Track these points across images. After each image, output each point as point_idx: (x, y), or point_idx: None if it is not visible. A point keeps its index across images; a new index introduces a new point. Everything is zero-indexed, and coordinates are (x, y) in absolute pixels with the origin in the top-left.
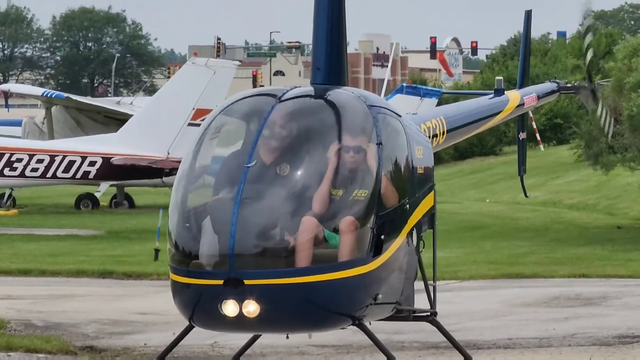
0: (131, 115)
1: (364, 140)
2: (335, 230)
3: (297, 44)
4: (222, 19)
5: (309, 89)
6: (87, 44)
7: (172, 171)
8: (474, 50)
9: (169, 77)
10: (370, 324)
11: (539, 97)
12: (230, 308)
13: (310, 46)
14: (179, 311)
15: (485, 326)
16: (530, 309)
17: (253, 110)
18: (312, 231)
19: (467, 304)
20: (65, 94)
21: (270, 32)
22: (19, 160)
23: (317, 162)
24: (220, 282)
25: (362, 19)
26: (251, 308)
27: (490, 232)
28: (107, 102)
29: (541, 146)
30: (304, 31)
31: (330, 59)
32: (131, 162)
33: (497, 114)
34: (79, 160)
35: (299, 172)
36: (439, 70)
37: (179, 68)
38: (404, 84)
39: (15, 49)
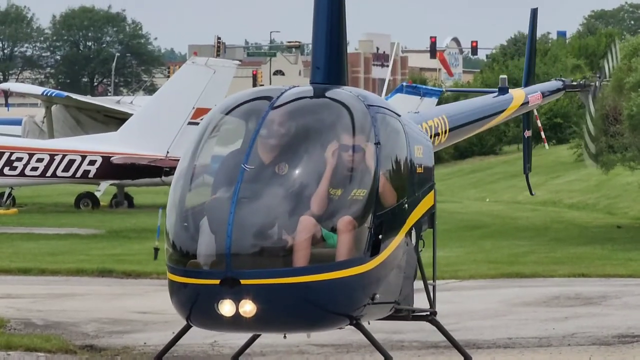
0: (131, 115)
1: (362, 139)
2: (333, 230)
3: (297, 43)
4: (222, 19)
5: (307, 88)
6: (87, 43)
7: (172, 170)
8: (474, 50)
9: (168, 77)
10: (369, 323)
11: (544, 96)
12: (226, 308)
13: (310, 46)
14: (176, 311)
15: (485, 326)
16: (530, 308)
17: (251, 109)
18: (309, 231)
19: (467, 304)
20: (65, 93)
21: (270, 32)
22: (19, 159)
23: (315, 162)
24: (217, 281)
25: (362, 19)
26: (247, 308)
27: (490, 231)
28: (107, 101)
29: (546, 144)
30: (304, 31)
31: (330, 58)
32: (131, 161)
33: (501, 112)
34: (78, 159)
35: (296, 172)
36: (439, 69)
37: (179, 67)
38: (404, 84)
39: (15, 48)
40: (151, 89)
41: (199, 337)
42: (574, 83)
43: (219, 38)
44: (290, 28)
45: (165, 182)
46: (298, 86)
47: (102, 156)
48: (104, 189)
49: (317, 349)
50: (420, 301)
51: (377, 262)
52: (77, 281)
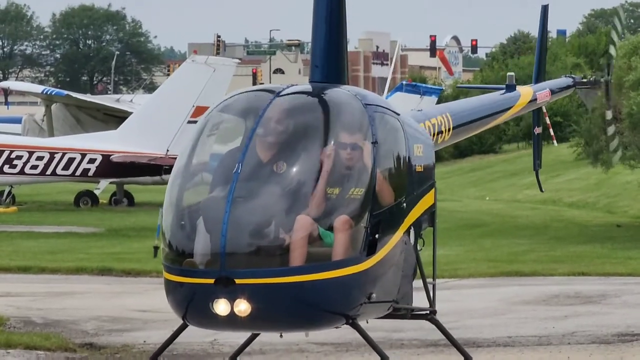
0: (131, 113)
1: (359, 138)
2: (329, 229)
3: (297, 42)
4: (222, 17)
5: (305, 87)
6: (87, 41)
7: (172, 168)
8: (474, 49)
9: (168, 75)
10: (367, 322)
11: (553, 92)
12: (221, 307)
13: (310, 44)
14: (173, 310)
15: (484, 324)
16: (529, 307)
17: (248, 108)
18: (303, 230)
19: (467, 302)
20: (65, 92)
21: (270, 30)
22: (19, 157)
23: (311, 161)
24: (212, 281)
25: (362, 17)
26: (242, 307)
27: (489, 230)
28: (107, 100)
29: (554, 141)
30: (303, 29)
31: (329, 56)
32: (131, 159)
33: (508, 109)
34: (78, 157)
35: (291, 171)
36: (439, 68)
37: (179, 66)
38: (404, 82)
39: (15, 47)
40: (151, 88)
41: (198, 335)
42: (584, 80)
43: (218, 36)
44: (290, 26)
45: (165, 180)
46: (296, 84)
47: (101, 154)
48: (103, 187)
49: (316, 348)
50: (420, 300)
51: (373, 262)
52: (76, 279)
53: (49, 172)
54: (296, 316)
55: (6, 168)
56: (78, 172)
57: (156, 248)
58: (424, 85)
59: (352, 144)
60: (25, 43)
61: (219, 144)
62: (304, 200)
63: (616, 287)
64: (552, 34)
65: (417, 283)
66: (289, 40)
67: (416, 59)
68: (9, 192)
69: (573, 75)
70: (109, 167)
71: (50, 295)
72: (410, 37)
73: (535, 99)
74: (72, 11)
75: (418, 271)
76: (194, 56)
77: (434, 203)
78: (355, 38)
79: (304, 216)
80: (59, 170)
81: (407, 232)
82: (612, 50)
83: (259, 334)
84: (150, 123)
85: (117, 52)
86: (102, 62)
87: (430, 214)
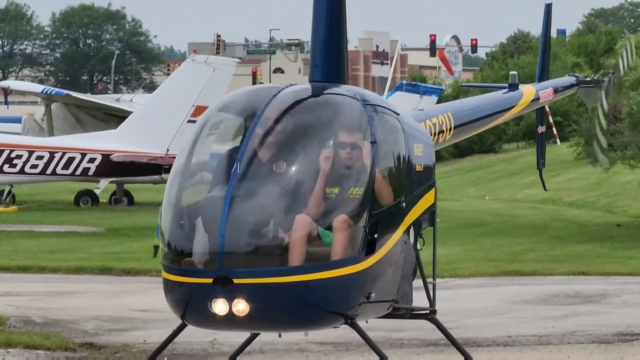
0: (131, 112)
1: (358, 138)
2: (327, 229)
3: (297, 41)
4: (222, 16)
5: (304, 86)
6: (87, 40)
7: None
8: (474, 48)
9: (168, 74)
10: (367, 322)
11: (556, 91)
12: (219, 307)
13: (310, 43)
14: (171, 309)
15: (484, 324)
16: (529, 306)
17: (247, 107)
18: (302, 230)
19: (467, 302)
20: (65, 91)
21: (270, 30)
22: (19, 156)
23: (309, 161)
24: (210, 280)
25: (362, 17)
26: (240, 307)
27: (489, 229)
28: (107, 99)
29: (558, 140)
30: (303, 28)
31: (329, 56)
32: (131, 159)
33: (510, 108)
34: (78, 157)
35: (290, 171)
36: (439, 67)
37: (179, 65)
38: (404, 82)
39: (15, 46)
40: (151, 87)
41: (198, 335)
42: (588, 79)
43: (218, 36)
44: (290, 26)
45: (165, 179)
46: (296, 84)
47: (101, 154)
48: (103, 187)
49: (316, 347)
50: (420, 300)
51: (372, 261)
52: (76, 279)
53: (49, 171)
54: (294, 316)
55: (6, 167)
56: (78, 172)
57: (156, 247)
58: (423, 84)
59: (351, 143)
60: (25, 42)
61: (218, 143)
62: (302, 200)
63: (616, 287)
64: (552, 33)
65: (418, 283)
66: (289, 39)
67: (416, 58)
68: (9, 192)
69: (576, 74)
70: (109, 166)
71: (50, 294)
72: (410, 37)
73: (538, 98)
74: (72, 10)
75: (418, 271)
76: (194, 55)
77: (434, 203)
78: (355, 37)
79: (303, 215)
80: (59, 170)
81: (407, 231)
82: (620, 63)
83: (258, 334)
84: (150, 122)
85: (117, 52)
86: (102, 61)
87: (431, 214)
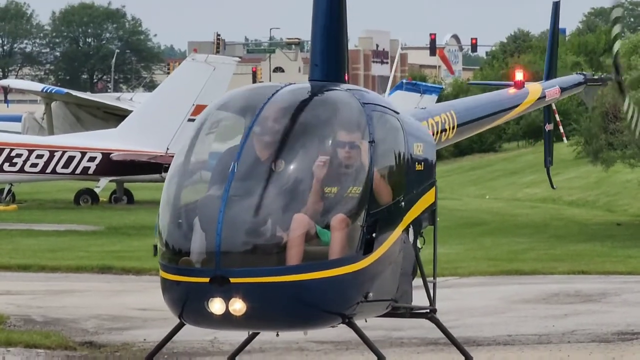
0: (131, 111)
1: (356, 137)
2: (324, 228)
3: (297, 40)
4: (222, 15)
5: (302, 85)
6: (87, 39)
7: None
8: (474, 47)
9: (168, 73)
10: (366, 321)
11: (563, 90)
12: (216, 306)
13: (310, 42)
14: (169, 308)
15: (484, 323)
16: (529, 305)
17: (245, 106)
18: (299, 229)
19: (467, 301)
20: (65, 90)
21: (270, 29)
22: (19, 155)
23: (306, 160)
24: (207, 280)
25: (362, 16)
26: (237, 306)
27: (489, 228)
28: (107, 98)
29: (564, 139)
30: (303, 27)
31: (329, 55)
32: (131, 157)
33: (515, 107)
34: (78, 155)
35: (287, 170)
36: (439, 66)
37: (179, 64)
38: (404, 81)
39: (15, 45)
40: (151, 86)
41: (198, 333)
42: (595, 77)
43: (218, 35)
44: (290, 25)
45: (164, 178)
46: (295, 83)
47: (101, 153)
48: (103, 186)
49: (316, 346)
50: (420, 298)
51: (370, 261)
52: (76, 278)
53: (48, 170)
54: (291, 315)
55: (6, 166)
56: (78, 171)
57: (156, 246)
58: (423, 83)
59: (349, 142)
60: (25, 41)
61: (216, 142)
62: (300, 199)
63: (616, 286)
64: None
65: (418, 282)
66: (288, 38)
67: (416, 57)
68: (9, 191)
69: (584, 72)
70: (109, 165)
71: (50, 293)
72: (410, 36)
73: (544, 96)
74: (71, 9)
75: (418, 270)
76: (194, 54)
77: (434, 201)
78: (355, 36)
79: (300, 215)
80: (59, 169)
81: (406, 230)
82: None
83: (258, 333)
84: (150, 121)
85: (117, 51)
86: (102, 60)
87: (431, 213)
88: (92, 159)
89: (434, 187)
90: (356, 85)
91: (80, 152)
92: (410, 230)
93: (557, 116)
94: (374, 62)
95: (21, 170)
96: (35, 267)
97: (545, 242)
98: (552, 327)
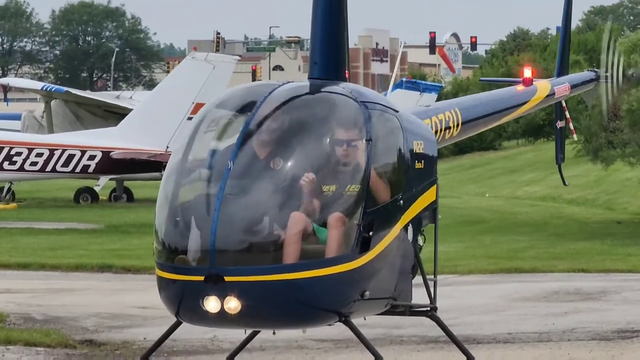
0: (131, 110)
1: (353, 136)
2: (321, 227)
3: (297, 38)
4: (222, 14)
5: (300, 84)
6: (87, 38)
7: None
8: (473, 46)
9: (168, 72)
10: (365, 319)
11: (574, 87)
12: (211, 304)
13: (309, 41)
14: (165, 307)
15: (484, 321)
16: (529, 303)
17: (242, 105)
18: (293, 227)
19: (466, 299)
20: (65, 88)
21: (270, 27)
22: (18, 154)
23: (303, 159)
24: (202, 278)
25: (362, 15)
26: (232, 304)
27: (489, 226)
28: (107, 96)
29: (574, 135)
30: (303, 26)
31: (328, 53)
32: (131, 156)
33: (523, 104)
34: (78, 154)
35: (283, 168)
36: (438, 65)
37: (178, 62)
38: (404, 79)
39: (15, 43)
40: (150, 84)
41: (198, 332)
42: (607, 74)
43: (218, 33)
44: (290, 23)
45: None
46: (293, 81)
47: (101, 151)
48: (103, 184)
49: (316, 344)
50: (421, 297)
51: (367, 259)
52: (76, 276)
53: (48, 168)
54: (287, 314)
55: (6, 165)
56: (78, 169)
57: None
58: (423, 82)
59: (346, 141)
60: (25, 40)
61: (213, 140)
62: (295, 198)
63: (616, 284)
64: (552, 31)
65: (419, 280)
66: (288, 37)
67: (415, 56)
68: (9, 189)
69: (596, 69)
70: (109, 163)
71: (50, 291)
72: (409, 34)
73: (553, 94)
74: (71, 8)
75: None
76: (194, 53)
77: (435, 199)
78: (355, 35)
79: (296, 213)
80: (58, 167)
81: (405, 229)
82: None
83: (258, 332)
84: (150, 120)
85: (117, 49)
86: (102, 58)
87: (432, 211)
88: (92, 158)
89: (435, 185)
90: (354, 84)
91: (80, 150)
92: (410, 228)
93: (566, 113)
94: (373, 60)
95: (21, 168)
96: (35, 265)
97: (545, 240)
98: (552, 325)
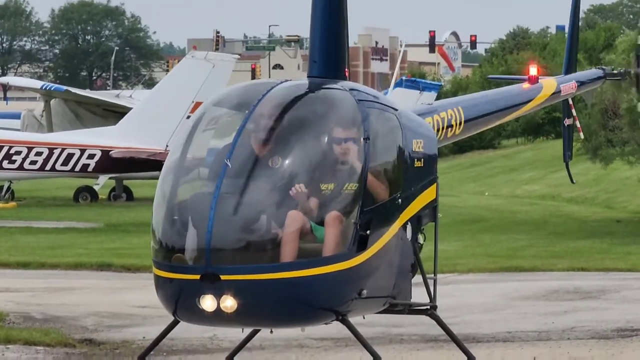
0: (130, 108)
1: (350, 134)
2: (318, 225)
3: (296, 37)
4: (221, 13)
5: (298, 82)
6: (86, 37)
7: None
8: (473, 44)
9: (167, 71)
10: (364, 317)
11: (581, 84)
12: (208, 303)
13: (309, 39)
14: (163, 305)
15: (484, 319)
16: (529, 302)
17: (240, 103)
18: (289, 226)
19: (466, 298)
20: (64, 87)
21: (269, 26)
22: (18, 152)
23: (299, 157)
24: (198, 277)
25: (361, 13)
26: (228, 303)
27: (488, 225)
28: (106, 95)
29: (581, 134)
30: (303, 25)
31: (327, 51)
32: (130, 155)
33: (527, 102)
34: (77, 153)
35: (279, 167)
36: (438, 63)
37: (178, 61)
38: (403, 78)
39: (14, 42)
40: (150, 83)
41: (197, 330)
42: (615, 72)
43: (217, 32)
44: (289, 22)
45: None
46: (291, 80)
47: (101, 150)
48: (102, 183)
49: (316, 343)
50: (421, 295)
51: (364, 258)
52: (76, 275)
53: (48, 167)
54: (283, 312)
55: (5, 163)
56: (77, 168)
57: None
58: (423, 80)
59: (343, 139)
60: (25, 39)
61: (210, 139)
62: (291, 197)
63: (615, 283)
64: (552, 29)
65: (419, 279)
66: (288, 35)
67: (415, 54)
68: (8, 188)
69: (603, 67)
70: (108, 162)
71: (50, 290)
72: (409, 33)
73: (559, 91)
74: (71, 7)
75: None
76: (194, 52)
77: (435, 198)
78: (354, 34)
79: (293, 211)
80: (58, 166)
81: (404, 227)
82: None
83: (258, 331)
84: (150, 119)
85: (116, 48)
86: (101, 57)
87: (432, 209)
88: (91, 156)
89: (435, 184)
90: (353, 82)
91: (80, 149)
92: (409, 226)
93: (573, 111)
94: (373, 59)
95: (20, 167)
96: (35, 264)
97: (544, 239)
98: (552, 324)
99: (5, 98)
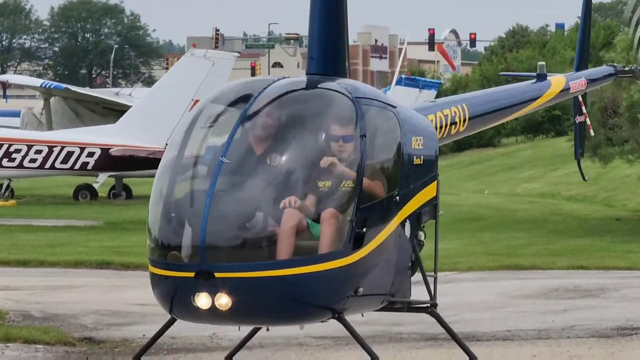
0: (130, 107)
1: (345, 131)
2: (315, 222)
3: (296, 35)
4: (221, 11)
5: (295, 79)
6: (86, 35)
7: None
8: (473, 42)
9: (167, 69)
10: (362, 315)
11: (591, 82)
12: (202, 300)
13: (307, 36)
14: (158, 303)
15: (484, 318)
16: (528, 300)
17: (236, 101)
18: (286, 223)
19: (466, 296)
20: (64, 85)
21: (269, 24)
22: (17, 151)
23: (295, 154)
24: (192, 274)
25: (361, 11)
26: (223, 301)
27: (488, 223)
28: (106, 93)
29: (591, 131)
30: (302, 23)
31: (326, 49)
32: (130, 153)
33: (535, 99)
34: (77, 151)
35: (274, 164)
36: (437, 61)
37: (177, 59)
38: (403, 76)
39: (14, 40)
40: (149, 81)
41: (197, 329)
42: (626, 69)
43: (217, 30)
44: (289, 20)
45: None
46: (287, 77)
47: (100, 148)
48: (102, 181)
49: (316, 341)
50: (421, 294)
51: (360, 255)
52: (75, 273)
53: (47, 165)
54: (278, 310)
55: (5, 162)
56: (77, 166)
57: None
58: (422, 78)
59: (339, 136)
60: (24, 36)
61: (206, 136)
62: (287, 194)
63: (615, 281)
64: (551, 27)
65: (420, 277)
66: (287, 33)
67: (414, 52)
68: (8, 186)
69: (615, 64)
70: (108, 160)
71: (49, 288)
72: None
73: (568, 89)
74: (70, 5)
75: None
76: (193, 50)
77: (435, 196)
78: (354, 32)
79: (289, 209)
80: (57, 164)
81: (402, 225)
82: None
83: (259, 329)
84: (149, 117)
85: (116, 46)
86: (101, 55)
87: (432, 207)
88: (91, 154)
89: (435, 181)
90: (351, 79)
91: (79, 147)
92: (408, 224)
93: (584, 108)
94: (372, 57)
95: (20, 165)
96: (34, 262)
97: (544, 237)
98: (552, 323)
99: (4, 96)
